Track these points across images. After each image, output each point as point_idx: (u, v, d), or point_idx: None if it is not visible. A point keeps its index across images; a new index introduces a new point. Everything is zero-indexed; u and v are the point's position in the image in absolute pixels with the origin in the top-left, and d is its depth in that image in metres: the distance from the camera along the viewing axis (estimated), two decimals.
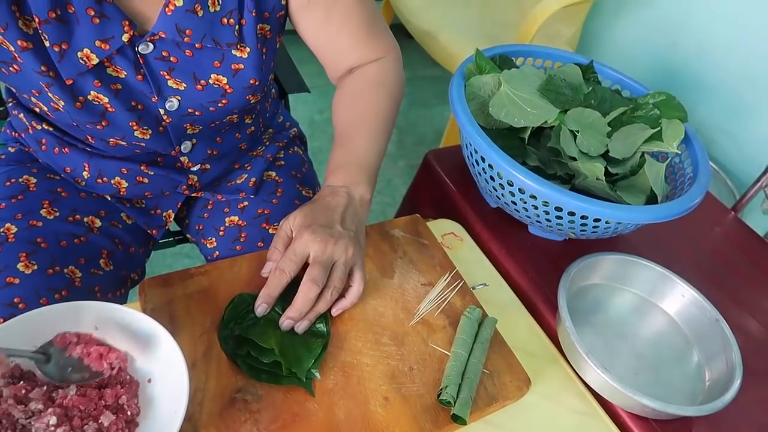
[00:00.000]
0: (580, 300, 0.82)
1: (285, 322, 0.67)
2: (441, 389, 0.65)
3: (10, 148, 0.89)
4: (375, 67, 0.86)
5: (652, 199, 0.85)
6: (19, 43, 0.64)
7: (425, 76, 2.65)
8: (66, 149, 0.81)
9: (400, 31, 2.40)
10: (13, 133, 0.89)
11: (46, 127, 0.80)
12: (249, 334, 0.65)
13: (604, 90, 0.95)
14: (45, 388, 0.55)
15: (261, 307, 0.68)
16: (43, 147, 0.83)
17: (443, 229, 0.91)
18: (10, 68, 0.67)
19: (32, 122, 0.81)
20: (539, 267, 0.89)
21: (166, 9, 0.67)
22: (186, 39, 0.69)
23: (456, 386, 0.65)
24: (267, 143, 1.00)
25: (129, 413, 0.56)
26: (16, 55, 0.65)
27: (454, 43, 1.74)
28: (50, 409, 0.53)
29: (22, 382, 0.55)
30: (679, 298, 0.83)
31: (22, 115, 0.83)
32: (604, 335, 0.80)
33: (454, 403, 0.64)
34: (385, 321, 0.72)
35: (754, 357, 0.81)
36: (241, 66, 0.75)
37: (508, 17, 1.94)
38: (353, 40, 0.83)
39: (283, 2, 0.76)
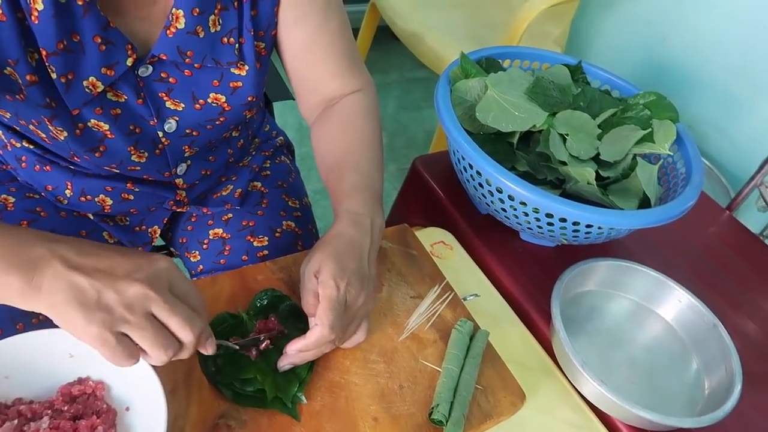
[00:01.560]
0: (575, 307, 0.80)
1: (285, 366, 0.63)
2: (432, 408, 0.63)
3: None
4: (359, 96, 0.83)
5: (645, 202, 0.83)
6: (27, 77, 0.62)
7: (414, 78, 2.63)
8: (47, 167, 0.79)
9: (386, 33, 2.39)
10: None
11: (27, 145, 0.78)
12: (228, 369, 0.62)
13: (593, 91, 0.93)
14: (16, 421, 0.53)
15: (298, 357, 0.62)
16: (23, 164, 0.81)
17: (433, 237, 0.89)
18: (17, 96, 0.65)
19: (11, 139, 0.79)
20: (531, 274, 0.87)
21: (168, 31, 0.66)
22: (187, 60, 0.68)
23: (448, 404, 0.63)
24: (253, 153, 0.98)
25: None
26: (23, 87, 0.63)
27: (441, 45, 1.72)
28: None
29: None
30: (675, 304, 0.81)
31: (0, 132, 0.80)
32: (600, 343, 0.78)
33: (446, 422, 0.61)
34: (374, 337, 0.70)
35: (753, 362, 0.79)
36: (240, 84, 0.74)
37: (496, 18, 1.92)
38: (335, 69, 0.80)
39: (275, 19, 0.74)
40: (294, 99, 1.13)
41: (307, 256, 0.65)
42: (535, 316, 0.81)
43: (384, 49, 2.54)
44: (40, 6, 0.58)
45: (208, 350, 0.55)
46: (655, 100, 0.90)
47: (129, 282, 0.47)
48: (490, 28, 1.85)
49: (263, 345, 0.64)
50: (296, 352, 0.61)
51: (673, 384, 0.75)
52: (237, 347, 0.62)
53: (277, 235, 0.89)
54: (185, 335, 0.50)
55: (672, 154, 0.87)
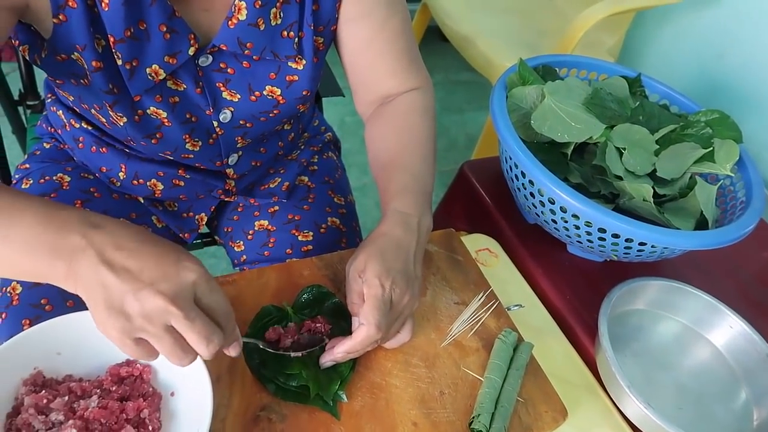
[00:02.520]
0: (621, 325, 0.78)
1: (328, 362, 0.63)
2: (473, 417, 0.62)
3: (45, 144, 0.88)
4: (416, 95, 0.82)
5: (701, 223, 0.81)
6: (93, 63, 0.64)
7: (458, 81, 2.61)
8: (104, 149, 0.81)
9: (433, 33, 2.38)
10: (50, 128, 0.88)
11: (85, 126, 0.80)
12: (273, 363, 0.62)
13: (652, 105, 0.91)
14: (67, 398, 0.54)
15: (341, 356, 0.62)
16: (80, 145, 0.82)
17: (478, 244, 0.88)
18: (81, 81, 0.66)
19: (71, 120, 0.81)
20: (577, 289, 0.85)
21: (229, 22, 0.66)
22: (246, 52, 0.68)
23: (489, 415, 0.62)
24: (302, 147, 0.98)
25: (150, 428, 0.54)
26: (88, 73, 0.65)
27: (493, 50, 1.70)
28: (71, 421, 0.52)
29: (44, 391, 0.53)
30: (727, 330, 0.78)
31: (60, 111, 0.82)
32: (646, 365, 0.76)
33: None
34: (416, 341, 0.69)
35: None
36: (296, 77, 0.74)
37: (548, 25, 1.89)
38: (395, 66, 0.79)
39: (336, 15, 0.74)
40: (342, 96, 1.13)
41: (353, 256, 0.65)
42: (579, 332, 0.80)
43: (430, 50, 2.53)
44: None
45: (231, 353, 0.54)
46: (718, 118, 0.87)
47: (152, 293, 0.46)
48: (542, 35, 1.83)
49: (294, 355, 0.62)
50: (344, 354, 0.61)
51: (721, 413, 0.72)
52: (272, 351, 0.62)
53: (321, 230, 0.89)
54: (202, 351, 0.49)
55: (732, 175, 0.84)
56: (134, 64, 0.65)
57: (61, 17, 0.60)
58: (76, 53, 0.64)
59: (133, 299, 0.46)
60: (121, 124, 0.70)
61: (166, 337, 0.47)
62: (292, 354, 0.62)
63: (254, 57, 0.70)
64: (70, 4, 0.60)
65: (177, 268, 0.48)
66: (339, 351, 0.61)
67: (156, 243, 0.49)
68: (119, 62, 0.64)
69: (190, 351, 0.49)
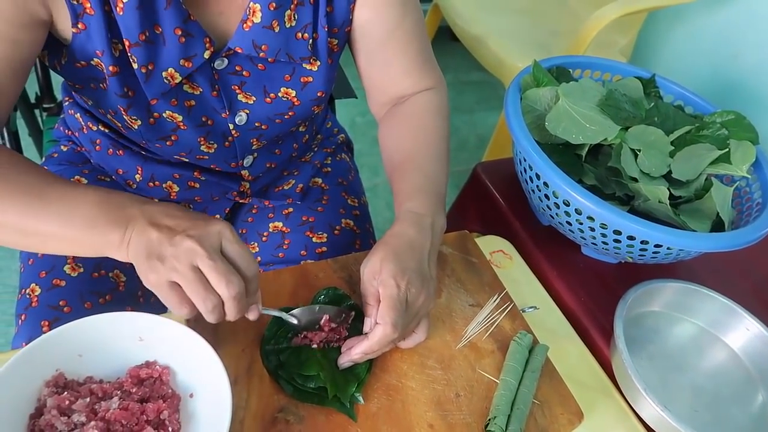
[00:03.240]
0: (636, 327, 0.78)
1: (345, 363, 0.63)
2: (489, 420, 0.62)
3: (62, 147, 0.89)
4: (430, 95, 0.82)
5: (717, 225, 0.80)
6: (110, 68, 0.65)
7: (469, 81, 2.60)
8: (120, 151, 0.81)
9: (443, 33, 2.38)
10: (67, 131, 0.89)
11: (102, 129, 0.80)
12: (290, 364, 0.63)
13: (667, 106, 0.91)
14: (88, 399, 0.54)
15: (358, 357, 0.62)
16: (98, 147, 0.83)
17: (492, 246, 0.88)
18: (100, 86, 0.68)
19: (88, 122, 0.82)
20: (592, 290, 0.85)
21: (244, 25, 0.67)
22: (261, 54, 0.69)
23: (505, 417, 0.62)
24: (315, 149, 0.98)
25: (170, 429, 0.55)
26: (107, 77, 0.66)
27: (504, 50, 1.70)
28: (92, 422, 0.52)
29: (66, 393, 0.54)
30: (743, 332, 0.78)
31: (78, 114, 0.83)
32: (662, 367, 0.76)
33: None
34: (432, 343, 0.70)
35: None
36: (311, 79, 0.74)
37: (560, 26, 1.88)
38: (409, 67, 0.79)
39: (350, 17, 0.74)
40: (355, 97, 1.14)
41: (367, 257, 0.65)
42: (594, 334, 0.80)
43: (440, 50, 2.51)
44: None
45: (250, 316, 0.59)
46: (733, 119, 0.86)
47: (183, 237, 0.53)
48: (554, 35, 1.82)
49: (326, 325, 0.64)
50: (362, 355, 0.61)
51: (738, 416, 0.72)
52: (293, 320, 0.64)
53: (336, 232, 0.89)
54: (222, 290, 0.53)
55: (749, 176, 0.84)
56: (150, 67, 0.65)
57: (80, 26, 0.61)
58: (95, 59, 0.64)
59: (168, 244, 0.53)
60: (136, 127, 0.71)
61: (192, 277, 0.53)
62: (314, 345, 0.64)
63: (269, 59, 0.70)
64: (88, 11, 0.61)
65: (206, 220, 0.56)
66: (357, 351, 0.61)
67: (198, 213, 0.58)
68: (135, 66, 0.65)
69: (212, 293, 0.53)
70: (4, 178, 0.55)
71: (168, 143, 0.75)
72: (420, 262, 0.64)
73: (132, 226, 0.54)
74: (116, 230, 0.54)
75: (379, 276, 0.62)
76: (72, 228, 0.55)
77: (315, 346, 0.64)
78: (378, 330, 0.60)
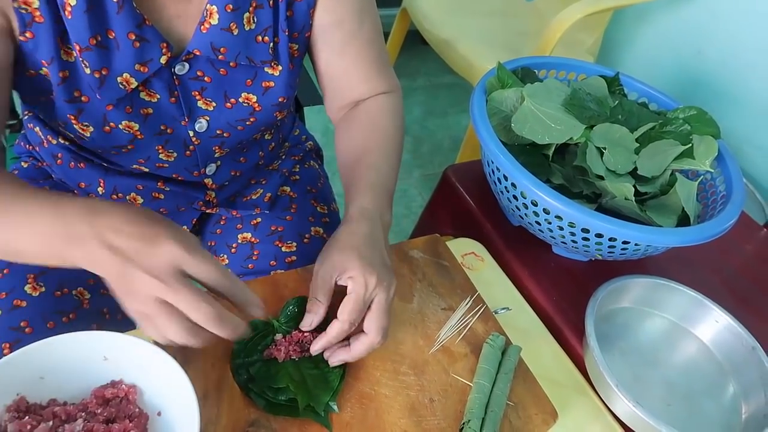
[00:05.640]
0: (608, 324, 0.79)
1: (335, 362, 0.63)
2: (463, 423, 0.62)
3: (23, 163, 0.87)
4: (386, 98, 0.83)
5: (683, 219, 0.81)
6: (60, 74, 0.63)
7: (441, 84, 2.62)
8: (82, 164, 0.80)
9: (416, 37, 2.38)
10: (28, 146, 0.87)
11: (62, 141, 0.79)
12: (261, 377, 0.62)
13: (631, 104, 0.92)
14: (51, 423, 0.53)
15: (324, 352, 0.64)
16: (59, 161, 0.82)
17: (463, 248, 0.88)
18: (50, 96, 0.66)
19: (48, 136, 0.80)
20: (564, 289, 0.85)
21: (202, 27, 0.66)
22: (221, 57, 0.68)
23: (479, 420, 0.62)
24: (283, 157, 0.98)
25: None
26: (54, 86, 0.64)
27: (473, 52, 1.71)
28: None
29: (27, 417, 0.53)
30: (712, 324, 0.79)
31: (37, 128, 0.81)
32: (634, 362, 0.76)
33: None
34: (405, 349, 0.69)
35: None
36: (272, 84, 0.74)
37: (528, 26, 1.90)
38: (367, 73, 0.81)
39: (310, 21, 0.74)
40: (323, 104, 1.13)
41: (321, 257, 0.65)
42: (566, 332, 0.80)
43: (411, 54, 2.54)
44: (73, 1, 0.59)
45: (257, 313, 0.56)
46: (695, 114, 0.88)
47: (134, 269, 0.50)
48: (522, 36, 1.84)
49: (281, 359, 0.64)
50: (321, 349, 0.62)
51: (710, 408, 0.73)
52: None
53: (305, 240, 0.88)
54: (195, 317, 0.51)
55: (712, 170, 0.85)
56: (104, 72, 0.64)
57: (27, 35, 0.60)
58: (43, 69, 0.63)
59: (124, 278, 0.50)
60: (88, 134, 0.69)
61: (156, 309, 0.50)
62: (281, 360, 0.64)
63: (230, 63, 0.70)
64: (37, 19, 0.59)
65: (155, 244, 0.51)
66: (315, 348, 0.63)
67: (151, 224, 0.52)
68: (87, 71, 0.63)
69: (184, 320, 0.51)
70: None
71: (124, 151, 0.73)
72: (381, 253, 0.65)
73: (84, 247, 0.51)
74: (73, 249, 0.52)
75: (345, 274, 0.61)
76: (28, 243, 0.54)
77: (282, 358, 0.63)
78: (335, 326, 0.61)
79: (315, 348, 0.63)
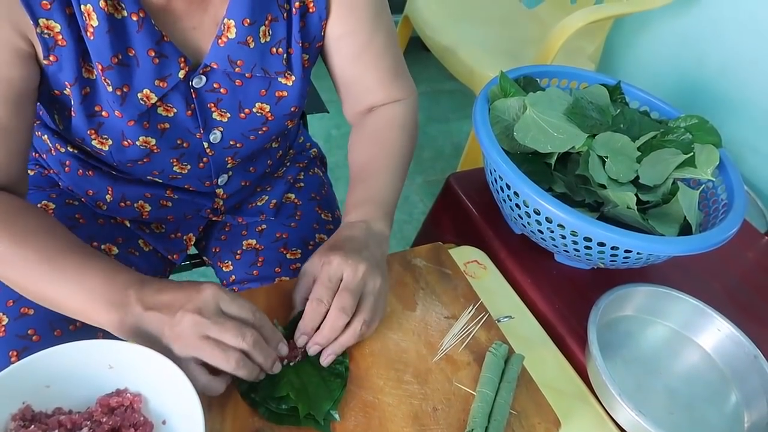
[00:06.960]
0: (611, 332, 0.79)
1: (312, 347, 0.64)
2: None
3: (29, 171, 0.88)
4: (396, 107, 0.84)
5: (685, 228, 0.81)
6: (82, 92, 0.65)
7: (443, 90, 2.62)
8: (90, 172, 0.80)
9: (417, 44, 2.39)
10: (34, 153, 0.88)
11: (71, 150, 0.80)
12: (263, 386, 0.62)
13: (632, 112, 0.92)
14: (57, 431, 0.53)
15: (301, 339, 0.65)
16: (67, 169, 0.82)
17: (466, 256, 0.88)
18: (72, 113, 0.67)
19: (56, 144, 0.81)
20: (566, 297, 0.86)
21: (219, 41, 0.67)
22: (237, 69, 0.69)
23: (482, 429, 0.62)
24: (288, 164, 0.98)
25: None
26: (74, 104, 0.66)
27: (475, 60, 1.72)
28: None
29: (33, 426, 0.53)
30: (715, 333, 0.79)
31: (45, 136, 0.82)
32: (636, 371, 0.76)
33: None
34: (408, 357, 0.69)
35: None
36: (285, 93, 0.75)
37: (529, 34, 1.91)
38: (381, 80, 0.82)
39: (322, 33, 0.75)
40: (327, 111, 1.14)
41: (310, 259, 0.69)
42: (569, 340, 0.80)
43: (413, 60, 2.53)
44: (95, 22, 0.60)
45: (282, 351, 0.62)
46: (697, 123, 0.88)
47: (183, 313, 0.56)
48: (524, 43, 1.84)
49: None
50: (322, 338, 0.64)
51: (712, 416, 0.73)
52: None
53: (310, 247, 0.89)
54: (240, 344, 0.57)
55: (714, 179, 0.85)
56: (125, 90, 0.65)
57: (51, 58, 0.62)
58: (67, 89, 0.64)
59: (170, 325, 0.57)
60: (107, 148, 0.70)
61: (203, 344, 0.56)
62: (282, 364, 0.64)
63: (246, 74, 0.71)
64: (60, 43, 0.61)
65: (198, 290, 0.58)
66: (312, 346, 0.65)
67: (187, 283, 0.60)
68: (110, 89, 0.64)
69: (231, 348, 0.57)
70: (25, 242, 0.60)
71: (140, 162, 0.74)
72: (367, 248, 0.68)
73: (127, 311, 0.58)
74: (113, 312, 0.58)
75: (328, 264, 0.65)
76: (74, 302, 0.60)
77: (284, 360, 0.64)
78: (310, 305, 0.64)
79: (311, 347, 0.64)
